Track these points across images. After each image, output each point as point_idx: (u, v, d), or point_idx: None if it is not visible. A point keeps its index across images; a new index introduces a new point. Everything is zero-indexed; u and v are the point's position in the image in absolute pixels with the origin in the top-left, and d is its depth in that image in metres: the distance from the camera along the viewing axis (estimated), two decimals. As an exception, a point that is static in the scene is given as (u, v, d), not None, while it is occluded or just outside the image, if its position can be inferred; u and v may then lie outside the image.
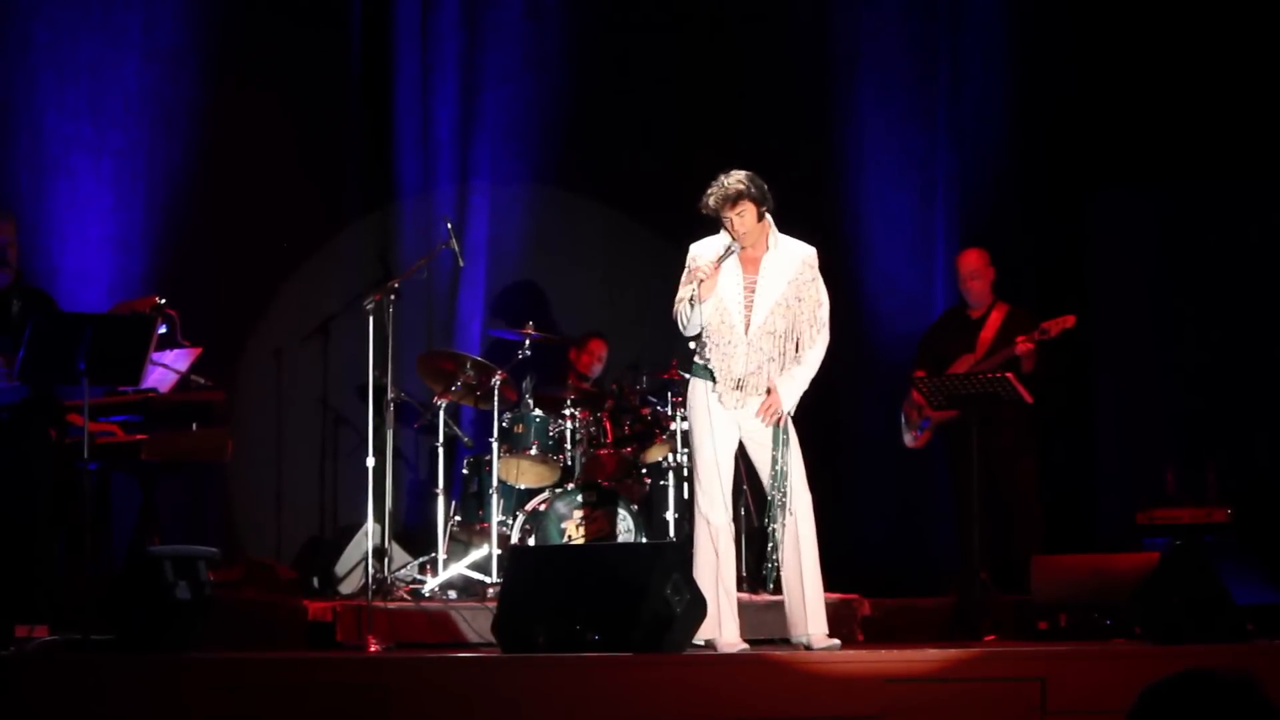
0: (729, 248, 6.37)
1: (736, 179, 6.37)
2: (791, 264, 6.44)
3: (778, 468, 6.36)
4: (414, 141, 9.47)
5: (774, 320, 6.39)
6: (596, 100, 9.78)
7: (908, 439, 8.66)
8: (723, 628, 6.33)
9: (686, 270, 6.45)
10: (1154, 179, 9.67)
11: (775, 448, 6.37)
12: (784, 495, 6.36)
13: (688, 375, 6.62)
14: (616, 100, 9.80)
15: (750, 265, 6.42)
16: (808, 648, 6.36)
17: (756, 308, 6.38)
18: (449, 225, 8.20)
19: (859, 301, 9.80)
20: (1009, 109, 10.05)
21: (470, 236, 9.41)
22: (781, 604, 6.51)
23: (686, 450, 8.52)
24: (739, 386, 6.37)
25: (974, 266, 8.63)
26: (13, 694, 5.33)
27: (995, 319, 8.52)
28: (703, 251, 6.45)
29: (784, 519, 6.36)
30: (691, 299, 6.32)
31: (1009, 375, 7.87)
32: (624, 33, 9.85)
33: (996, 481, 8.21)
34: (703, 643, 6.29)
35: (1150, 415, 9.62)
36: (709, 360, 6.39)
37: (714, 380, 6.38)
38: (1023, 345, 8.20)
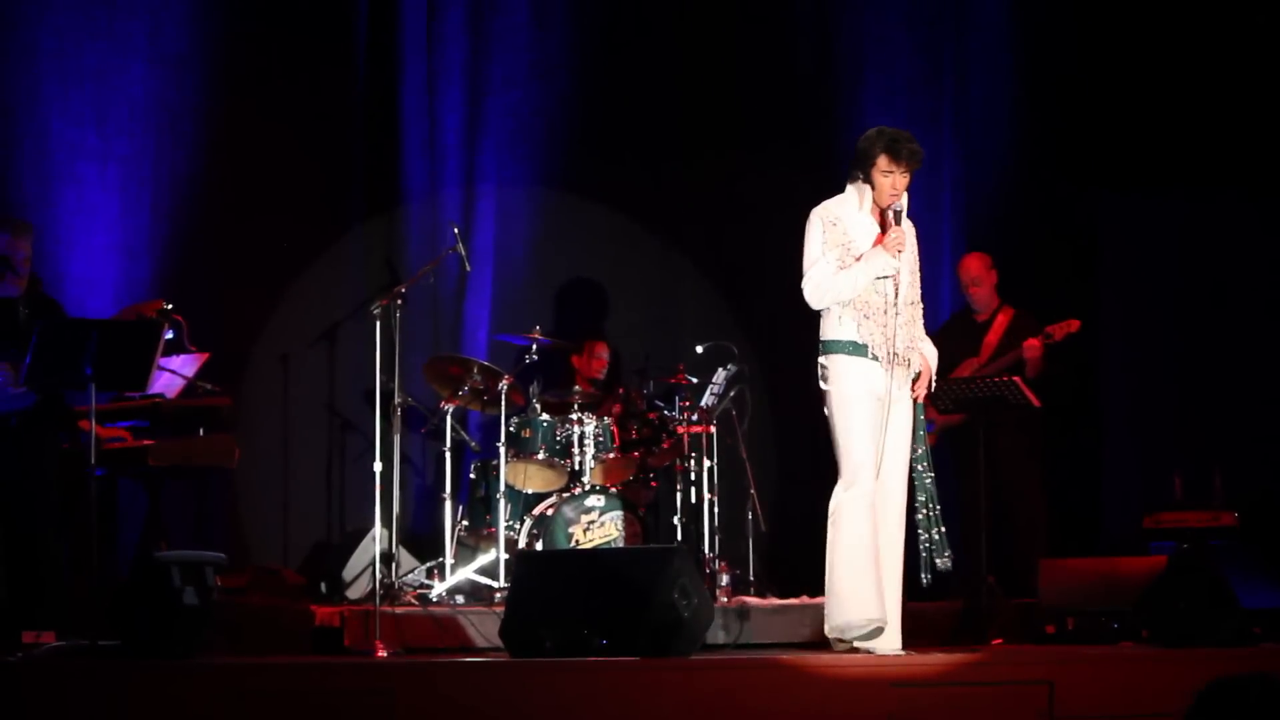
0: (896, 210, 5.98)
1: (919, 146, 5.98)
2: (911, 232, 6.16)
3: (924, 449, 6.15)
4: (420, 147, 9.47)
5: (914, 290, 6.12)
6: (601, 105, 9.79)
7: (913, 442, 8.63)
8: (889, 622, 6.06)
9: (821, 234, 6.02)
10: (1162, 184, 9.65)
11: (916, 428, 6.08)
12: (928, 475, 6.14)
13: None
14: (621, 104, 9.80)
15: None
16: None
17: (902, 276, 6.03)
18: (455, 230, 8.20)
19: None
20: (1015, 112, 10.04)
21: (477, 241, 9.42)
22: (789, 609, 6.50)
23: (692, 454, 8.51)
24: (895, 359, 5.97)
25: (975, 273, 8.60)
26: (19, 700, 5.32)
27: (1001, 323, 8.51)
28: (842, 212, 6.04)
29: (931, 502, 6.14)
30: (840, 267, 5.90)
31: (1016, 379, 7.84)
32: (628, 37, 9.85)
33: (1001, 485, 8.19)
34: (865, 649, 6.03)
35: (1157, 419, 9.61)
36: (859, 333, 5.99)
37: (865, 354, 5.97)
38: (1029, 349, 8.19)
